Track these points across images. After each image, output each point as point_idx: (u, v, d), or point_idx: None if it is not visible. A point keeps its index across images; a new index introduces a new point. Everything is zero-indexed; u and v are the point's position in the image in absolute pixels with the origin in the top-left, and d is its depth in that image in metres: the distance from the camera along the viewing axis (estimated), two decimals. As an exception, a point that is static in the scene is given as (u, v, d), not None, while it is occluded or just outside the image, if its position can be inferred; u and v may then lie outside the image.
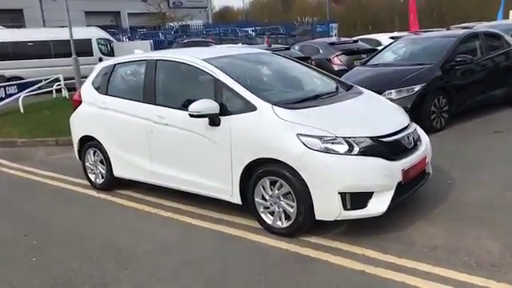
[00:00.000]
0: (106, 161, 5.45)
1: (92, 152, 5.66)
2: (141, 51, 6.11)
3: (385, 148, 3.81)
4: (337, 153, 3.67)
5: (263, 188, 4.02)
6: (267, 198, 4.01)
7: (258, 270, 3.49)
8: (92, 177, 5.77)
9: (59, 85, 14.55)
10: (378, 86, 6.75)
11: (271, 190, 3.96)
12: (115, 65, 5.47)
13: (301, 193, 3.74)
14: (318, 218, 3.77)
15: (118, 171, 5.37)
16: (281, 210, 3.95)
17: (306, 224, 3.85)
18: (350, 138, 3.72)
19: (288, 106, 4.04)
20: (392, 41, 11.30)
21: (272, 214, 4.04)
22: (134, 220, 4.73)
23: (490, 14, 35.83)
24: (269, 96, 4.16)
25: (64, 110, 12.07)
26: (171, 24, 31.45)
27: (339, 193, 3.63)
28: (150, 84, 4.88)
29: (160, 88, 4.85)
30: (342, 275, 3.31)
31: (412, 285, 3.12)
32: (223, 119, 4.16)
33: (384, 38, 14.33)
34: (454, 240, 3.69)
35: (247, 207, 4.24)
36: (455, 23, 26.20)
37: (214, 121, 4.18)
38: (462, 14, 39.43)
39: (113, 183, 5.58)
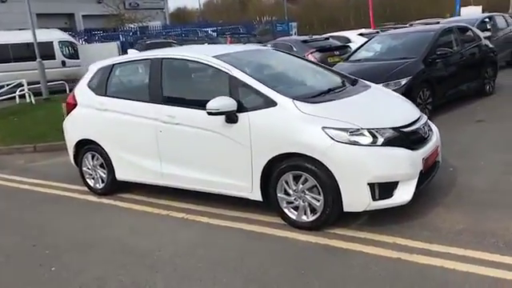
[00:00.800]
0: (107, 164, 5.28)
1: (90, 156, 5.46)
2: (136, 51, 5.94)
3: (406, 138, 3.90)
4: (363, 144, 3.73)
5: (286, 183, 4.01)
6: (291, 192, 4.00)
7: (294, 264, 3.48)
8: (91, 182, 5.57)
9: (22, 90, 13.95)
10: (366, 80, 6.89)
11: (295, 184, 3.97)
12: (113, 65, 5.29)
13: (328, 186, 3.77)
14: (346, 209, 3.81)
15: (121, 174, 5.21)
16: (306, 204, 3.95)
17: (332, 216, 3.88)
18: (373, 129, 3.78)
19: (307, 100, 4.06)
20: (367, 38, 11.60)
21: (295, 208, 4.04)
22: (147, 223, 4.60)
23: (441, 12, 37.39)
24: (286, 91, 4.16)
25: (32, 115, 11.68)
26: (131, 25, 30.72)
27: (368, 184, 3.68)
28: (155, 83, 4.76)
29: (168, 87, 4.74)
30: (381, 264, 3.36)
31: (451, 268, 3.21)
32: (241, 116, 4.12)
33: (352, 35, 14.64)
34: (476, 224, 3.83)
35: (267, 203, 4.23)
36: (409, 20, 27.15)
37: (231, 118, 4.13)
38: (414, 12, 40.94)
39: (114, 187, 5.41)
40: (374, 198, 3.72)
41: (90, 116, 5.31)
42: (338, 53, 11.83)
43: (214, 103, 4.07)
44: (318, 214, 3.91)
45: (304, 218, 4.00)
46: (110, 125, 5.12)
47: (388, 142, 3.78)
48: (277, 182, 4.05)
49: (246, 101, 4.15)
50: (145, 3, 42.41)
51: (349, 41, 13.93)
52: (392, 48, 8.44)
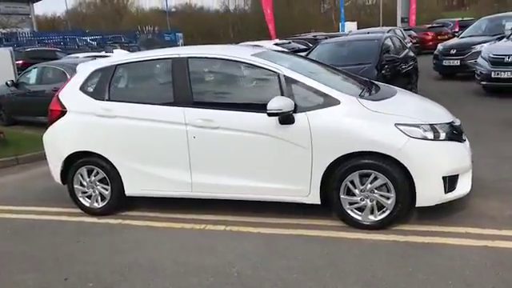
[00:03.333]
0: (112, 179, 4.61)
1: (86, 171, 4.72)
2: (123, 51, 5.30)
3: (457, 133, 4.11)
4: (432, 139, 3.82)
5: (352, 183, 3.93)
6: (357, 192, 3.93)
7: (394, 263, 3.40)
8: (85, 201, 4.81)
9: None
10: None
11: (361, 184, 3.91)
12: (116, 66, 4.64)
13: (401, 182, 3.78)
14: (418, 205, 3.85)
15: (133, 189, 4.59)
16: (374, 202, 3.92)
17: (402, 213, 3.90)
18: (435, 124, 3.91)
19: (367, 97, 4.05)
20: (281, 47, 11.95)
21: (359, 209, 3.98)
22: (187, 240, 4.09)
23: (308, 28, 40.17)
24: (343, 89, 4.09)
25: None
26: (3, 31, 27.33)
27: (442, 177, 3.79)
28: (182, 85, 4.31)
29: (199, 88, 4.34)
30: (476, 253, 3.45)
31: (540, 249, 3.46)
32: (297, 116, 3.94)
33: (268, 45, 14.96)
34: (519, 208, 4.18)
35: (324, 206, 4.10)
36: (291, 35, 28.68)
37: (288, 119, 3.93)
38: (288, 28, 43.27)
39: (118, 205, 4.76)
40: (445, 191, 3.84)
41: (89, 124, 4.59)
42: None
43: (276, 103, 3.83)
44: (388, 212, 3.89)
45: (371, 217, 3.95)
46: (120, 133, 4.48)
47: (449, 137, 3.94)
48: (340, 182, 3.95)
49: (302, 100, 3.98)
50: (8, 8, 38.17)
51: (265, 50, 14.18)
52: (341, 55, 8.81)
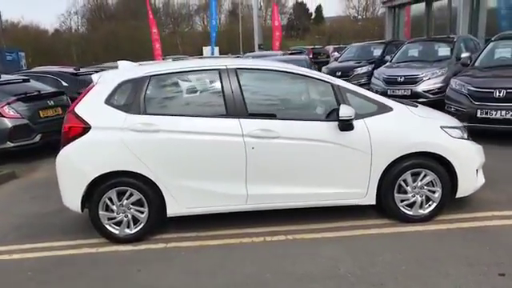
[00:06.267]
0: (151, 200, 4.21)
1: (116, 194, 4.21)
2: (129, 62, 4.85)
3: (468, 134, 4.86)
4: (464, 139, 4.48)
5: (404, 182, 4.33)
6: (409, 190, 4.35)
7: (468, 246, 3.88)
8: (113, 228, 4.27)
9: None
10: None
11: (413, 181, 4.34)
12: (150, 77, 4.28)
13: (445, 177, 4.32)
14: (458, 195, 4.44)
15: (178, 208, 4.25)
16: (423, 198, 4.38)
17: (446, 205, 4.45)
18: (461, 126, 4.60)
19: (409, 105, 4.55)
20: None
21: (408, 205, 4.40)
22: (263, 253, 3.97)
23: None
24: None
25: None
26: None
27: (476, 170, 4.46)
28: (235, 96, 4.21)
29: (253, 99, 4.29)
30: (522, 230, 4.16)
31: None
32: (356, 123, 4.22)
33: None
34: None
35: (378, 206, 4.43)
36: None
37: (350, 125, 4.18)
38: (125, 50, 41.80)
39: (154, 228, 4.35)
40: (476, 182, 4.52)
41: (125, 141, 4.11)
42: (52, 102, 8.42)
43: (347, 111, 4.07)
44: (435, 205, 4.39)
45: (421, 211, 4.40)
46: (166, 148, 4.14)
47: (470, 137, 4.66)
48: (395, 182, 4.33)
49: (356, 108, 4.25)
50: None
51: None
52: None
